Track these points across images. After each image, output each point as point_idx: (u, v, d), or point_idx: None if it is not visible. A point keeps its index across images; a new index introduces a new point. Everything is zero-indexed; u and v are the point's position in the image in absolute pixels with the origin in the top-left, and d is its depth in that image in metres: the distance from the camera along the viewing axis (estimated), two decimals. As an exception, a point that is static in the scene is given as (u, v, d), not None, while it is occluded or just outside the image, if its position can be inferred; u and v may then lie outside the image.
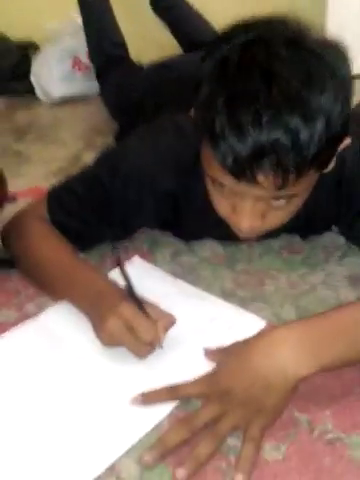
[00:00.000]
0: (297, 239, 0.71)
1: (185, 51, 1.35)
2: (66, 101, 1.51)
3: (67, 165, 1.13)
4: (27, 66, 1.59)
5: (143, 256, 0.71)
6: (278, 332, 0.47)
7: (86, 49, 1.45)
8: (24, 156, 1.20)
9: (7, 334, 0.59)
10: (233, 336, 0.54)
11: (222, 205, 0.56)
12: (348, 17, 1.46)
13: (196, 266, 0.68)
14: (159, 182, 0.65)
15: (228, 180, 0.50)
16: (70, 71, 1.53)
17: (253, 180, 0.48)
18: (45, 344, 0.57)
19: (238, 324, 0.58)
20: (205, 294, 0.63)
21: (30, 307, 0.64)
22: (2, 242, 0.72)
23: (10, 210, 0.83)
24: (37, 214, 0.69)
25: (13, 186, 0.99)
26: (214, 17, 1.36)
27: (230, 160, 0.48)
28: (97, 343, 0.54)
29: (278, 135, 0.46)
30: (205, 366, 0.52)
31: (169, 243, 0.74)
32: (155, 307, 0.55)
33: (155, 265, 0.69)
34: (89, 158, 1.22)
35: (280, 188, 0.49)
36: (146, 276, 0.66)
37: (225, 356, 0.50)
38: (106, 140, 1.22)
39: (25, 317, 0.62)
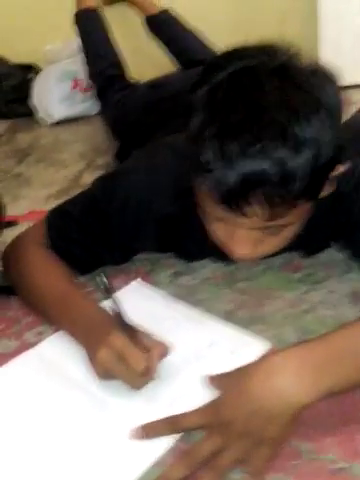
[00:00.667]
0: (297, 256, 0.70)
1: (182, 69, 1.37)
2: (67, 122, 1.53)
3: (67, 186, 1.13)
4: (27, 88, 1.61)
5: (143, 278, 0.71)
6: (277, 358, 0.46)
7: (85, 70, 1.48)
8: (24, 178, 1.21)
9: (6, 366, 0.59)
10: (236, 360, 0.52)
11: (215, 233, 0.56)
12: (341, 29, 1.47)
13: (196, 287, 0.68)
14: (157, 206, 0.65)
15: (218, 211, 0.50)
16: (70, 92, 1.55)
17: (242, 212, 0.48)
18: (44, 376, 0.57)
19: (241, 347, 0.57)
20: (206, 316, 0.62)
21: (29, 336, 0.63)
22: (3, 267, 0.72)
23: (10, 234, 0.83)
24: (35, 239, 0.69)
25: (14, 209, 1.00)
26: (209, 39, 1.38)
27: (218, 192, 0.48)
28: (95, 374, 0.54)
29: (265, 166, 0.46)
30: (206, 395, 0.50)
31: (169, 265, 0.73)
32: (148, 335, 0.54)
33: (155, 287, 0.69)
34: (89, 179, 1.22)
35: (270, 220, 0.49)
36: (146, 299, 0.66)
37: (226, 384, 0.49)
38: (107, 160, 1.23)
39: (25, 346, 0.61)
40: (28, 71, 1.65)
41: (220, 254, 0.70)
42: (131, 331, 0.53)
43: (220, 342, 0.58)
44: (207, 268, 0.72)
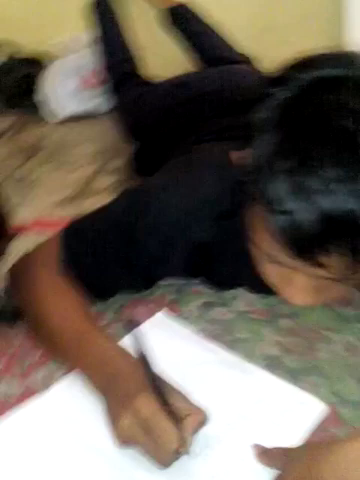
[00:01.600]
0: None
1: (203, 66, 1.27)
2: (75, 120, 1.42)
3: (78, 192, 1.03)
4: (32, 84, 1.51)
5: (170, 308, 0.60)
6: (355, 447, 0.36)
7: (93, 66, 1.38)
8: (30, 181, 1.11)
9: (9, 417, 0.49)
10: (289, 424, 0.44)
11: (269, 273, 0.46)
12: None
13: (232, 323, 0.57)
14: (193, 230, 0.55)
15: (281, 256, 0.41)
16: (78, 88, 1.45)
17: (316, 261, 0.39)
18: (54, 434, 0.47)
19: (294, 407, 0.47)
20: (247, 365, 0.52)
21: (36, 379, 0.53)
22: (11, 286, 0.62)
23: (14, 246, 0.73)
24: (47, 259, 0.59)
25: (17, 216, 0.90)
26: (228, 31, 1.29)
27: (289, 235, 0.38)
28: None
29: (354, 206, 0.36)
30: (254, 470, 0.40)
31: (197, 292, 0.63)
32: (182, 398, 0.44)
33: (182, 321, 0.59)
34: (103, 183, 1.14)
35: (348, 272, 0.39)
36: (174, 336, 0.56)
37: (286, 465, 0.39)
38: (121, 162, 1.13)
39: (30, 390, 0.51)
40: (34, 65, 1.56)
41: (258, 285, 0.61)
42: (160, 388, 0.43)
43: (269, 399, 0.47)
44: (241, 299, 0.61)
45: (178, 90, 0.99)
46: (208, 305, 0.61)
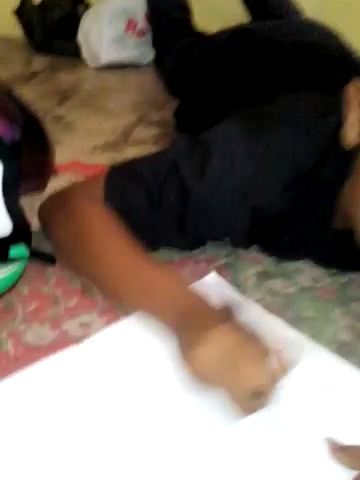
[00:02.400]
0: None
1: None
2: (115, 67, 1.33)
3: (116, 139, 0.96)
4: (75, 24, 1.42)
5: (219, 272, 0.54)
6: None
7: (143, 10, 1.28)
8: (66, 123, 1.03)
9: (37, 366, 0.42)
10: None
11: None
12: None
13: (294, 299, 0.51)
14: (260, 195, 0.49)
15: None
16: (123, 34, 1.34)
17: None
18: (89, 384, 0.41)
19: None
20: (317, 346, 0.45)
21: (71, 326, 0.47)
22: (41, 225, 0.56)
23: (51, 185, 0.66)
24: (91, 193, 0.53)
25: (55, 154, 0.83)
26: None
27: None
28: (165, 392, 0.38)
29: None
30: (327, 469, 0.34)
31: (253, 259, 0.56)
32: (265, 338, 0.39)
33: (236, 288, 0.52)
34: (142, 135, 1.07)
35: None
36: (227, 303, 0.50)
37: None
38: (163, 116, 1.05)
39: (64, 340, 0.45)
40: (78, 4, 1.46)
41: (326, 256, 0.54)
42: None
43: (343, 388, 0.41)
44: (304, 274, 0.55)
45: (240, 38, 0.88)
46: (265, 275, 0.55)
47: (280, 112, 0.54)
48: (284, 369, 0.37)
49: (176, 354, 0.40)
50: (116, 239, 0.48)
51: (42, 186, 0.54)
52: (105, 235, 0.48)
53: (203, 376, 0.37)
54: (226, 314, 0.40)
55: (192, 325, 0.39)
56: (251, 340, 0.37)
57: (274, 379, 0.36)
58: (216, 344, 0.36)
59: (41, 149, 0.55)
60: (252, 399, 0.36)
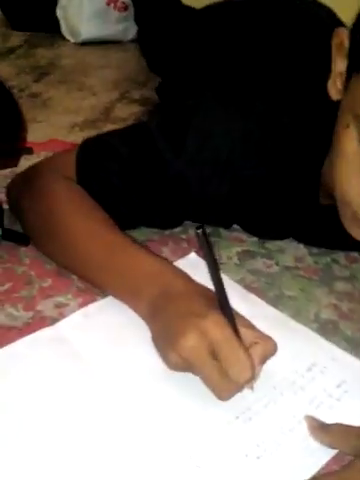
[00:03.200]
0: None
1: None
2: (96, 43, 1.28)
3: (96, 117, 0.92)
4: (54, -2, 1.37)
5: (200, 252, 0.53)
6: None
7: (125, -17, 1.23)
8: (43, 100, 0.99)
9: (9, 348, 0.40)
10: (348, 402, 0.37)
11: (357, 177, 0.39)
12: None
13: (277, 277, 0.50)
14: (240, 163, 0.47)
15: None
16: (104, 9, 1.29)
17: None
18: (66, 371, 0.39)
19: (353, 380, 0.39)
20: (297, 325, 0.44)
21: (45, 306, 0.45)
22: (9, 204, 0.53)
23: (24, 165, 0.64)
24: (60, 170, 0.50)
25: (29, 134, 0.79)
26: None
27: None
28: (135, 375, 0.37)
29: None
30: (307, 447, 0.34)
31: (234, 238, 0.55)
32: (248, 323, 0.38)
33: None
34: (123, 113, 1.04)
35: None
36: (208, 283, 0.48)
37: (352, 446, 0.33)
38: (144, 93, 1.02)
39: (38, 321, 0.43)
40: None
41: (308, 235, 0.53)
42: (231, 316, 0.36)
43: (324, 366, 0.40)
44: (287, 253, 0.53)
45: (226, 13, 0.86)
46: (248, 254, 0.53)
47: (260, 80, 0.53)
48: (264, 359, 0.36)
49: (154, 338, 0.38)
50: (87, 218, 0.46)
51: (13, 162, 0.51)
52: (75, 214, 0.46)
53: (182, 365, 0.36)
54: (212, 298, 0.38)
55: (173, 310, 0.37)
56: (235, 334, 0.36)
57: (255, 369, 0.35)
58: (202, 336, 0.35)
59: (13, 125, 0.53)
60: (232, 387, 0.35)
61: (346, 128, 0.39)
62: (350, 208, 0.41)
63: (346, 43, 0.40)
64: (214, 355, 0.35)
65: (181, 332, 0.35)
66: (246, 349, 0.35)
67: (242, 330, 0.36)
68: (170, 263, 0.44)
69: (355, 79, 0.38)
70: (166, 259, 0.45)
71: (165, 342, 0.37)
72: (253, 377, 0.35)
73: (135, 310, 0.42)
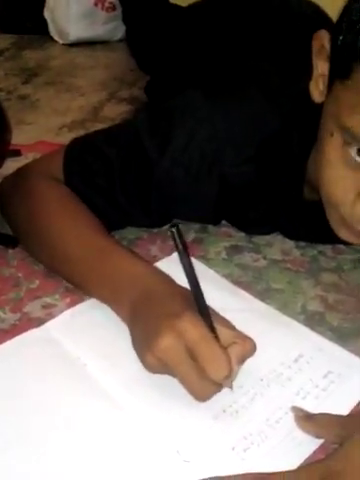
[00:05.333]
0: None
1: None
2: (84, 44, 1.28)
3: (84, 118, 0.93)
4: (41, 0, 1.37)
5: (190, 248, 0.52)
6: None
7: (112, -16, 1.23)
8: (31, 101, 0.99)
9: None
10: (333, 388, 0.37)
11: (342, 183, 0.39)
12: None
13: (265, 271, 0.50)
14: (228, 161, 0.47)
15: None
16: (91, 9, 1.29)
17: None
18: (53, 370, 0.39)
19: (340, 370, 0.39)
20: (283, 317, 0.44)
21: (33, 308, 0.45)
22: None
23: (12, 167, 0.64)
24: (48, 172, 0.51)
25: (17, 137, 0.79)
26: None
27: None
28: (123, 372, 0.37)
29: None
30: (293, 438, 0.34)
31: (223, 234, 0.55)
32: (227, 323, 0.37)
33: (206, 263, 0.51)
34: (112, 112, 1.04)
35: None
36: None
37: (353, 437, 0.32)
38: (133, 92, 1.03)
39: (26, 323, 0.43)
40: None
41: (294, 230, 0.53)
42: (207, 315, 0.36)
43: (311, 357, 0.40)
44: (274, 247, 0.53)
45: (213, 10, 0.86)
46: (235, 249, 0.54)
47: (245, 77, 0.53)
48: (242, 359, 0.36)
49: (133, 341, 0.38)
50: (72, 220, 0.46)
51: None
52: (60, 216, 0.46)
53: (159, 367, 0.35)
54: (190, 298, 0.37)
55: (151, 311, 0.37)
56: (211, 333, 0.35)
57: (233, 368, 0.35)
58: (178, 336, 0.34)
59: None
60: (210, 388, 0.35)
61: (330, 136, 0.39)
62: (337, 211, 0.41)
63: (327, 46, 0.39)
64: (191, 355, 0.34)
65: (157, 333, 0.35)
66: (222, 347, 0.35)
67: (220, 330, 0.36)
68: (151, 266, 0.44)
69: (338, 86, 0.37)
70: (148, 262, 0.45)
71: (142, 344, 0.37)
72: (230, 375, 0.35)
73: (117, 313, 0.42)
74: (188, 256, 0.35)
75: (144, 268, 0.42)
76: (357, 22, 0.34)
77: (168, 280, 0.41)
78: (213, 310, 0.38)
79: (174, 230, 0.34)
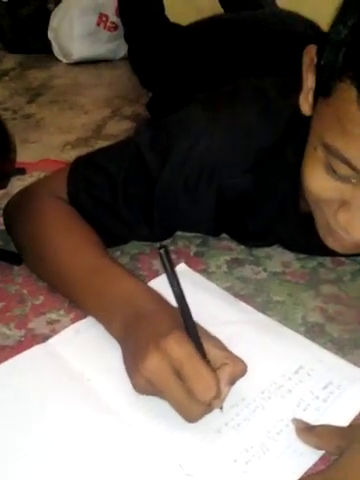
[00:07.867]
0: None
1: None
2: (88, 63, 1.31)
3: (88, 135, 0.94)
4: (45, 21, 1.39)
5: (189, 262, 0.54)
6: None
7: (114, 4, 1.26)
8: (36, 120, 1.01)
9: (2, 366, 0.41)
10: (334, 403, 0.37)
11: (325, 194, 0.39)
12: None
13: (265, 284, 0.51)
14: (226, 174, 0.48)
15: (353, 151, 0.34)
16: (94, 29, 1.32)
17: None
18: (57, 385, 0.40)
19: (340, 381, 0.40)
20: (284, 329, 0.45)
21: (38, 324, 0.46)
22: (5, 225, 0.55)
23: (17, 185, 0.65)
24: (52, 191, 0.52)
25: (22, 155, 0.81)
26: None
27: None
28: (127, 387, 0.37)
29: None
30: (294, 450, 0.34)
31: (223, 247, 0.56)
32: (218, 343, 0.37)
33: (207, 277, 0.52)
34: (115, 129, 1.06)
35: None
36: (197, 292, 0.48)
37: (352, 448, 0.32)
38: (136, 110, 1.05)
39: (31, 339, 0.44)
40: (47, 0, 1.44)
41: (292, 242, 0.54)
42: (196, 335, 0.36)
43: (311, 368, 0.41)
44: (274, 259, 0.54)
45: (215, 30, 0.87)
46: (236, 262, 0.54)
47: (243, 91, 0.54)
48: (233, 380, 0.36)
49: (124, 360, 0.38)
50: (71, 238, 0.47)
51: (3, 184, 0.53)
52: (60, 234, 0.47)
53: (146, 388, 0.36)
54: (180, 318, 0.37)
55: (141, 331, 0.38)
56: (199, 353, 0.35)
57: (223, 390, 0.35)
58: (165, 355, 0.34)
59: (1, 146, 0.54)
60: (199, 409, 0.35)
61: (314, 150, 0.39)
62: (323, 220, 0.42)
63: (315, 61, 0.40)
64: (179, 375, 0.34)
65: (144, 353, 0.35)
66: (211, 367, 0.35)
67: (211, 350, 0.36)
68: (143, 284, 0.44)
69: (321, 103, 0.38)
70: (139, 280, 0.45)
71: (130, 364, 0.37)
72: (219, 396, 0.35)
73: (109, 332, 0.42)
74: (176, 277, 0.35)
75: (135, 286, 0.43)
76: (337, 42, 0.35)
77: (158, 299, 0.41)
78: (205, 330, 0.38)
79: (162, 252, 0.34)
